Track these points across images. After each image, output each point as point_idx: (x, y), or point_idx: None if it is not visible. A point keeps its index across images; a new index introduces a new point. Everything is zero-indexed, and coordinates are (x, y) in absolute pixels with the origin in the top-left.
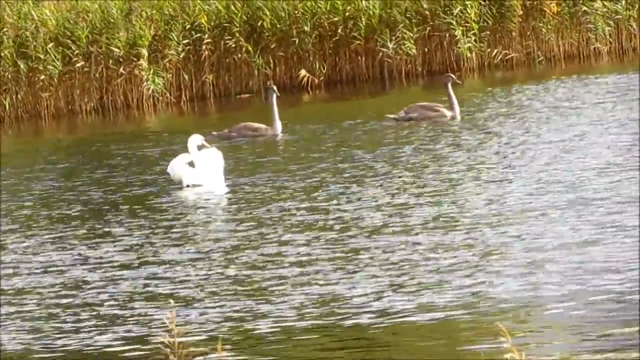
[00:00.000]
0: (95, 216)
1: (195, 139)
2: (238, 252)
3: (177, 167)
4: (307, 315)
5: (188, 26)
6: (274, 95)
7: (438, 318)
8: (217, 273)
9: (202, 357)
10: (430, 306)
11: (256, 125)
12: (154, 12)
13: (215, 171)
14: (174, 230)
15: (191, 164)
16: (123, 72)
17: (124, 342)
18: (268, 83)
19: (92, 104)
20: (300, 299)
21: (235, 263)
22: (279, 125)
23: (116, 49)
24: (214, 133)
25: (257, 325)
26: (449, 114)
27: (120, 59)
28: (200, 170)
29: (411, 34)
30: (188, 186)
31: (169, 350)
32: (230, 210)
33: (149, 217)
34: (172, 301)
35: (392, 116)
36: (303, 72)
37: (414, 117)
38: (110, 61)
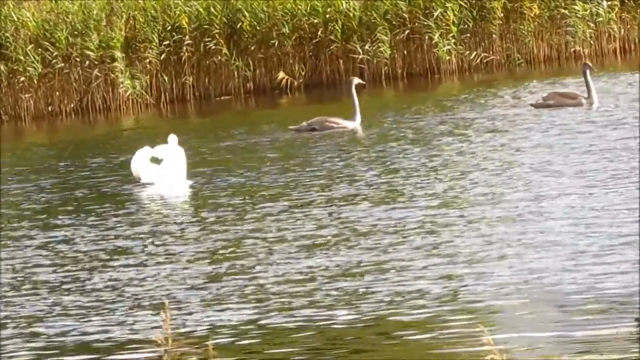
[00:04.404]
0: (69, 214)
1: (174, 138)
2: (224, 253)
3: (136, 164)
4: (296, 316)
5: (169, 27)
6: (353, 86)
7: (419, 319)
8: (197, 273)
9: (194, 358)
10: (411, 307)
11: (337, 118)
12: (135, 12)
13: (178, 169)
14: (143, 229)
15: (153, 160)
16: (99, 74)
17: (118, 342)
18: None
19: (72, 106)
20: (289, 300)
21: (217, 264)
22: (359, 118)
23: (90, 52)
24: (291, 127)
25: (246, 325)
26: (586, 100)
27: (96, 61)
28: (161, 168)
29: (387, 38)
30: (149, 184)
31: (162, 349)
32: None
33: (116, 215)
34: (166, 301)
35: (530, 103)
36: (281, 74)
37: (551, 105)
38: (87, 63)
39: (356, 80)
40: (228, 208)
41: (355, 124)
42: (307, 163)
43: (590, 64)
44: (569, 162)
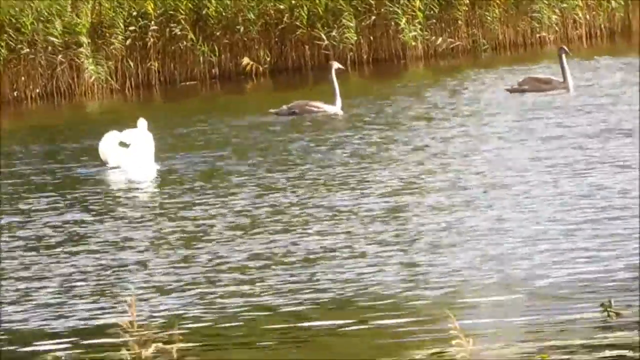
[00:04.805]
0: (28, 199)
1: (143, 123)
2: (182, 239)
3: (104, 147)
4: (254, 302)
5: (134, 13)
6: (333, 71)
7: (384, 304)
8: (157, 261)
9: (160, 343)
10: (375, 293)
11: (318, 102)
12: None
13: (146, 153)
14: (106, 214)
15: (122, 144)
16: (63, 60)
17: (82, 327)
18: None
19: (38, 91)
20: (248, 286)
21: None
22: (339, 102)
23: (54, 38)
24: (272, 110)
25: (209, 312)
26: (561, 85)
27: (60, 47)
28: (129, 152)
29: (352, 24)
30: (116, 167)
31: (128, 335)
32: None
33: (81, 199)
34: (131, 287)
35: (505, 87)
36: (246, 60)
37: (526, 89)
38: (50, 48)
39: (336, 65)
40: (191, 193)
41: (336, 109)
42: (271, 149)
43: (566, 48)
44: (527, 149)
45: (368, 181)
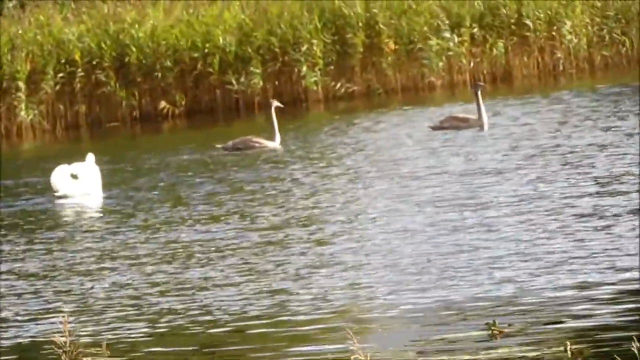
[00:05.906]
0: None
1: (91, 157)
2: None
3: (55, 179)
4: (179, 320)
5: (63, 61)
6: (273, 109)
7: (284, 320)
8: (94, 282)
9: (89, 358)
10: (278, 308)
11: (259, 139)
12: (33, 47)
13: (93, 184)
14: (47, 240)
15: (73, 176)
16: (1, 104)
17: (16, 345)
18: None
19: None
20: (172, 305)
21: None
22: (278, 138)
23: None
24: (218, 145)
25: (137, 329)
26: (477, 123)
27: None
28: (77, 182)
29: (259, 70)
30: (62, 196)
31: (61, 350)
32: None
33: (27, 228)
34: (64, 306)
35: (428, 125)
36: (163, 103)
37: (446, 127)
38: None
39: (275, 103)
40: (126, 220)
41: (275, 144)
42: (194, 183)
43: (482, 83)
44: (409, 185)
45: (260, 214)
